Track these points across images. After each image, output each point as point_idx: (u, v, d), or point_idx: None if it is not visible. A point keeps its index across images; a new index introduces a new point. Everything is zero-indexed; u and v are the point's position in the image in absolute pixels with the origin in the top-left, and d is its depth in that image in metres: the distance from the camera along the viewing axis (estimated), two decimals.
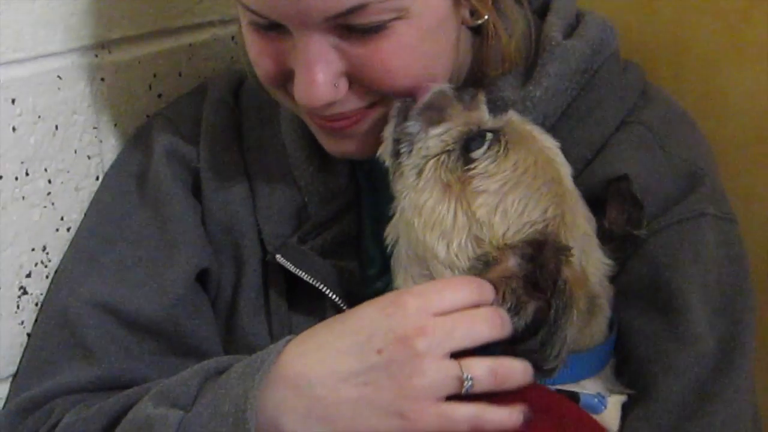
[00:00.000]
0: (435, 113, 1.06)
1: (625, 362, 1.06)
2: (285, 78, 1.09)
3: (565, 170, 1.05)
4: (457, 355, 0.95)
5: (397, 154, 1.07)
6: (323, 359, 0.96)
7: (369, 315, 0.97)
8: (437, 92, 1.07)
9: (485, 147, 1.02)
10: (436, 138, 1.05)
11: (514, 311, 0.96)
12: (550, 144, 1.06)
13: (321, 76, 1.04)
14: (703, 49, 1.40)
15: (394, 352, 0.94)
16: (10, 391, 1.19)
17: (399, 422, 0.93)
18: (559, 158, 1.05)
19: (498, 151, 1.02)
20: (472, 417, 0.94)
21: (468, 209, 1.00)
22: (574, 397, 0.98)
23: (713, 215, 1.10)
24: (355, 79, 1.06)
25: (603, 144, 1.14)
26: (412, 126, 1.07)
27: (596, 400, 0.99)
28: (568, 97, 1.14)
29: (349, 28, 1.03)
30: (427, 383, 0.93)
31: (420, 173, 1.04)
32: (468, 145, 1.03)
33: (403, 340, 0.94)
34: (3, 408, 1.17)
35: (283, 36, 1.05)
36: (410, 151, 1.06)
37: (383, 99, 1.09)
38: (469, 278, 0.98)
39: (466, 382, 0.94)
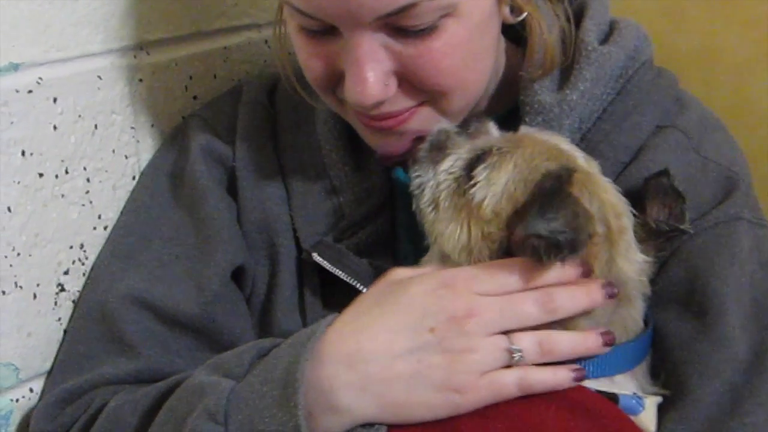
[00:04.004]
0: (439, 152, 1.08)
1: (661, 364, 1.06)
2: (335, 80, 1.10)
3: (578, 154, 1.05)
4: None
5: (415, 197, 1.09)
6: (376, 337, 0.98)
7: (420, 294, 0.99)
8: (438, 131, 1.10)
9: (482, 162, 1.03)
10: (444, 173, 1.07)
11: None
12: (557, 139, 1.06)
13: (372, 75, 1.04)
14: (733, 57, 1.41)
15: (445, 331, 0.96)
16: (45, 385, 1.20)
17: (453, 396, 0.96)
18: (568, 146, 1.05)
19: (495, 159, 1.03)
20: (520, 379, 0.96)
21: (477, 218, 1.01)
22: (613, 398, 0.99)
23: (748, 220, 1.10)
24: (404, 78, 1.07)
25: (639, 148, 1.15)
26: (419, 169, 1.09)
27: (634, 401, 0.99)
28: (603, 102, 1.15)
29: (399, 29, 1.03)
30: (478, 358, 0.96)
31: (436, 207, 1.06)
32: (471, 167, 1.04)
33: (454, 320, 0.96)
34: (40, 401, 1.18)
35: (333, 38, 1.06)
36: (423, 191, 1.08)
37: (430, 98, 1.10)
38: (520, 259, 0.99)
39: (515, 354, 0.96)
